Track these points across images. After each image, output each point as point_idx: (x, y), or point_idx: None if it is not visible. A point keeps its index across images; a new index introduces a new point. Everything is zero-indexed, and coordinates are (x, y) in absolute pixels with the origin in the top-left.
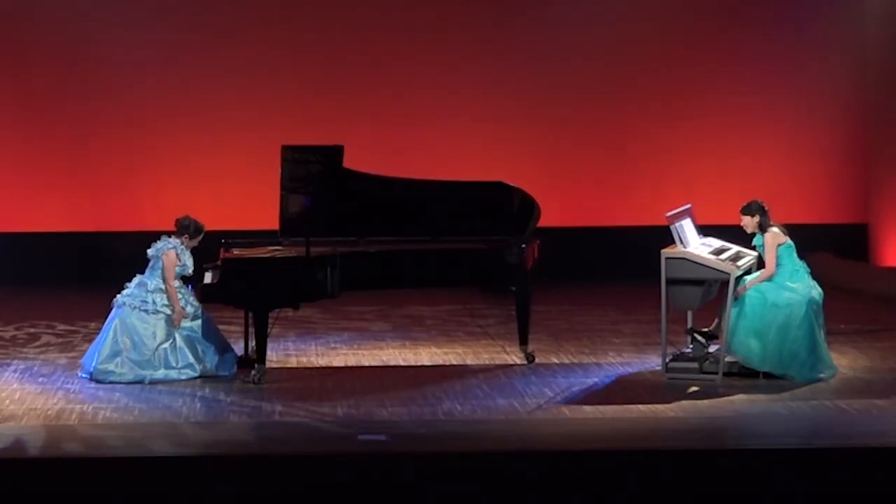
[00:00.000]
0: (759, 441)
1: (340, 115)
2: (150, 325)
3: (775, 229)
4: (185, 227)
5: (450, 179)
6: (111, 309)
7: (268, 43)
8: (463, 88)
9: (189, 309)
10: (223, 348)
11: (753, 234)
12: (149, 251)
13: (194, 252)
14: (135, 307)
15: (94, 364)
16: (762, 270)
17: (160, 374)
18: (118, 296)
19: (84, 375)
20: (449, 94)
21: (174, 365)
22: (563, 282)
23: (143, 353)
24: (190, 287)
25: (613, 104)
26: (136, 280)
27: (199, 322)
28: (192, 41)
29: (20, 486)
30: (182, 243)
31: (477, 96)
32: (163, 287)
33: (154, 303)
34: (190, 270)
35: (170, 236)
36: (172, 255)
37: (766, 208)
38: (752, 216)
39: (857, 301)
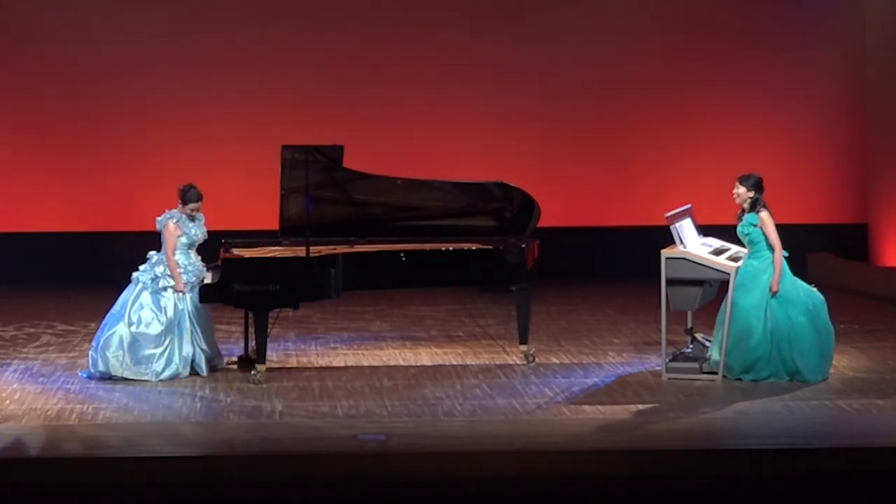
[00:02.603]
0: (759, 441)
1: (340, 115)
2: (155, 312)
3: (767, 210)
4: (179, 193)
5: (450, 179)
6: (128, 283)
7: (268, 43)
8: (463, 88)
9: (191, 278)
10: (213, 344)
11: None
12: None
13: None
14: (147, 286)
15: (100, 336)
16: (774, 261)
17: (160, 365)
18: (135, 273)
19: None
20: (449, 94)
21: (171, 360)
22: (563, 282)
23: (143, 347)
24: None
25: (613, 104)
26: (150, 254)
27: (196, 318)
28: (192, 42)
29: (20, 486)
30: (180, 212)
31: (477, 96)
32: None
33: (163, 276)
34: (197, 238)
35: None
36: (171, 225)
37: (763, 187)
38: (749, 190)
39: (857, 301)
